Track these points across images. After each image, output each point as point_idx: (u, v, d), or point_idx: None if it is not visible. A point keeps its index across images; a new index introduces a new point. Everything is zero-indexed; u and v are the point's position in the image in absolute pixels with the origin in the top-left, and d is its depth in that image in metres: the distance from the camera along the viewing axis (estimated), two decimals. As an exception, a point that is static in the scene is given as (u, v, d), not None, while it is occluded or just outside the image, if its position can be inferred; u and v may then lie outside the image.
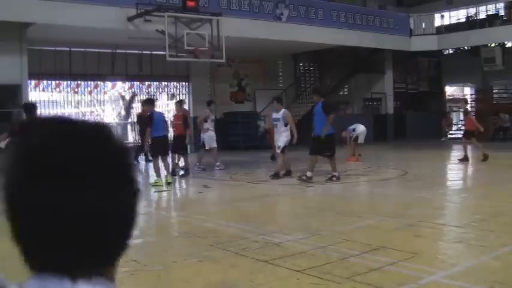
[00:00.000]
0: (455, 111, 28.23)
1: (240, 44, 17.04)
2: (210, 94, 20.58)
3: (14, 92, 14.53)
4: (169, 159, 12.07)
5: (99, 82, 18.86)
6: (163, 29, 14.35)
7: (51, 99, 17.80)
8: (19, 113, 14.67)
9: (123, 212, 0.82)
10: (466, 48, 24.73)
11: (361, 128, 15.02)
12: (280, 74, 23.42)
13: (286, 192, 9.86)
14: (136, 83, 19.79)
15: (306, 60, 24.17)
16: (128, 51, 18.74)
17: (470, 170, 13.95)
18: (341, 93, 25.06)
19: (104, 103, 19.48)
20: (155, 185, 10.66)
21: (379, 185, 10.75)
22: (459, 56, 25.21)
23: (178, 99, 17.80)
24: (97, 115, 18.93)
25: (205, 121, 13.57)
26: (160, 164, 11.32)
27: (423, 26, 23.53)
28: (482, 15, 23.75)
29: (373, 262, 4.84)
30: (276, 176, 11.32)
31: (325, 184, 10.61)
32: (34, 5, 13.41)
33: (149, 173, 13.21)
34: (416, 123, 24.86)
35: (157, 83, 20.05)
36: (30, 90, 15.99)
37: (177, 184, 11.62)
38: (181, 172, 12.50)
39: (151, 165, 14.71)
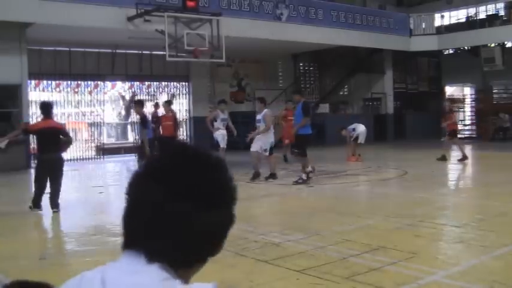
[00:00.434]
0: (455, 111, 28.21)
1: (240, 44, 17.04)
2: (210, 94, 20.60)
3: (14, 92, 14.54)
4: None
5: (99, 82, 18.86)
6: (163, 29, 14.35)
7: (51, 99, 17.76)
8: (19, 113, 14.70)
9: (222, 227, 1.02)
10: (466, 48, 24.72)
11: (361, 128, 15.01)
12: (280, 74, 23.42)
13: (286, 192, 9.85)
14: (136, 83, 19.78)
15: (306, 60, 24.17)
16: (127, 51, 18.74)
17: (470, 170, 13.95)
18: (341, 93, 25.08)
19: (104, 103, 19.48)
20: None
21: (379, 185, 10.75)
22: (459, 56, 25.20)
23: (168, 98, 17.62)
24: (97, 115, 18.93)
25: (215, 120, 13.37)
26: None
27: (423, 26, 23.53)
28: (482, 15, 23.74)
29: (373, 262, 4.84)
30: (272, 176, 11.28)
31: (326, 184, 10.61)
32: (34, 5, 13.41)
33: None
34: (416, 123, 24.86)
35: (157, 83, 20.04)
36: (30, 90, 15.99)
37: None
38: None
39: None
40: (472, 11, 24.27)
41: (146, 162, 1.05)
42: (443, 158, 14.24)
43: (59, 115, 17.84)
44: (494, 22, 22.27)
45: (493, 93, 25.54)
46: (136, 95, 20.05)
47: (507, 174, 11.51)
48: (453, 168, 14.21)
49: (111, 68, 18.61)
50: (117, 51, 18.48)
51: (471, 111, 27.03)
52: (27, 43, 14.70)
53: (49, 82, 17.70)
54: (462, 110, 28.18)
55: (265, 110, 11.27)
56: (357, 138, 14.88)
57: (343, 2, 21.09)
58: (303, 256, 5.12)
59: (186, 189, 0.97)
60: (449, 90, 28.63)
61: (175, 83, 20.50)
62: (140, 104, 11.28)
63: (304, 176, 10.59)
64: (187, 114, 20.49)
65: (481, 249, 5.34)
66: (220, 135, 12.97)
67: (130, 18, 14.66)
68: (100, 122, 19.13)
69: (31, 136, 15.67)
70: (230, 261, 4.99)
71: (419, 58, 26.24)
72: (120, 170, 15.24)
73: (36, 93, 17.33)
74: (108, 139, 20.15)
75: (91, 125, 19.07)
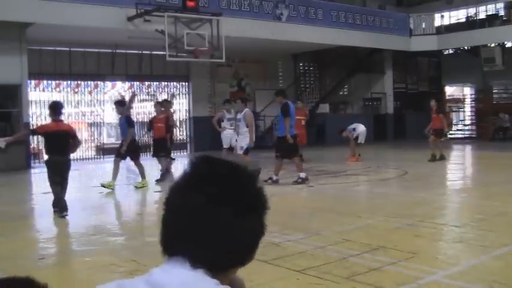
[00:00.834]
0: (455, 111, 28.23)
1: (240, 44, 17.05)
2: (210, 94, 20.60)
3: (14, 92, 14.54)
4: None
5: (99, 82, 18.86)
6: (163, 29, 14.35)
7: (51, 99, 17.77)
8: (19, 113, 14.71)
9: (257, 234, 1.06)
10: (466, 48, 24.72)
11: (361, 128, 15.00)
12: (280, 74, 23.42)
13: (286, 192, 9.85)
14: (136, 83, 19.78)
15: (306, 60, 24.16)
16: (127, 51, 18.75)
17: (470, 170, 13.96)
18: (341, 93, 25.07)
19: (104, 103, 19.47)
20: (109, 186, 10.25)
21: (379, 185, 10.75)
22: (459, 56, 25.20)
23: (158, 99, 17.12)
24: (97, 115, 18.93)
25: (222, 121, 13.28)
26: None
27: (423, 26, 23.54)
28: (482, 15, 23.75)
29: (373, 262, 4.84)
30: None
31: (325, 184, 10.61)
32: (34, 5, 13.42)
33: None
34: (416, 123, 24.81)
35: (157, 83, 20.04)
36: (30, 90, 16.00)
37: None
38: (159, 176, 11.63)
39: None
40: (472, 11, 24.28)
41: (186, 171, 1.08)
42: (441, 158, 14.21)
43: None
44: (494, 22, 22.28)
45: (493, 93, 25.56)
46: (136, 95, 20.06)
47: (507, 174, 11.51)
48: (453, 169, 14.21)
49: (111, 68, 18.61)
50: (117, 51, 18.48)
51: (471, 111, 27.05)
52: (27, 43, 14.70)
53: (49, 82, 17.70)
54: (462, 110, 28.22)
55: (246, 110, 10.96)
56: (356, 138, 14.88)
57: (343, 2, 21.09)
58: (303, 256, 5.12)
59: (227, 196, 1.01)
60: (449, 90, 28.66)
61: (175, 83, 20.50)
62: (121, 104, 10.93)
63: (302, 175, 10.58)
64: (187, 114, 20.50)
65: (481, 249, 5.34)
66: (227, 135, 12.76)
67: (130, 18, 14.67)
68: (100, 122, 19.14)
69: (34, 137, 15.89)
70: (230, 261, 4.99)
71: (419, 58, 26.25)
72: (120, 170, 15.23)
73: (36, 93, 17.34)
74: (108, 139, 20.15)
75: (91, 125, 19.08)
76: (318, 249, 5.36)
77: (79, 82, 18.32)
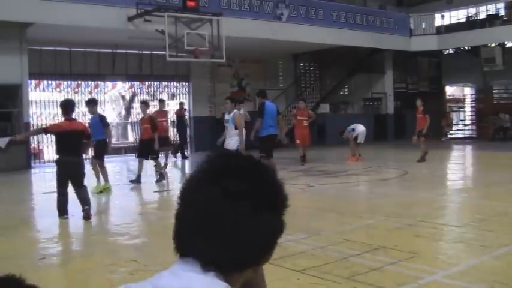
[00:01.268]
0: (455, 111, 28.24)
1: (240, 44, 17.05)
2: (210, 94, 20.60)
3: (14, 92, 14.54)
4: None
5: (99, 82, 18.86)
6: (163, 29, 14.35)
7: (51, 99, 17.79)
8: (19, 113, 14.70)
9: (275, 232, 1.01)
10: (466, 48, 24.72)
11: (360, 128, 15.00)
12: (281, 74, 23.41)
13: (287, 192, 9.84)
14: (136, 83, 19.79)
15: (306, 60, 24.16)
16: (128, 51, 18.75)
17: (470, 170, 13.95)
18: (341, 93, 25.07)
19: (104, 103, 19.48)
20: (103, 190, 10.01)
21: (379, 185, 10.75)
22: (459, 56, 25.20)
23: (143, 99, 16.63)
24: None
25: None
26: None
27: (423, 26, 23.53)
28: (482, 15, 23.75)
29: (373, 262, 4.84)
30: None
31: (326, 184, 10.61)
32: (34, 5, 13.42)
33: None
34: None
35: (158, 83, 20.04)
36: (31, 90, 15.99)
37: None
38: (158, 177, 11.47)
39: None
40: (472, 11, 24.29)
41: (201, 165, 1.04)
42: (423, 159, 13.98)
43: (59, 115, 17.85)
44: (494, 22, 22.28)
45: (493, 93, 25.56)
46: (137, 95, 20.07)
47: (507, 174, 11.52)
48: (453, 169, 14.21)
49: (112, 68, 18.61)
50: (118, 51, 18.48)
51: (471, 111, 27.06)
52: (27, 43, 14.70)
53: (49, 82, 17.70)
54: (462, 110, 28.23)
55: (235, 110, 10.63)
56: (356, 138, 14.88)
57: (343, 2, 21.09)
58: (304, 256, 5.12)
59: (245, 190, 0.97)
60: (450, 90, 28.66)
61: (175, 83, 20.50)
62: (94, 103, 10.48)
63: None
64: (188, 114, 20.50)
65: (481, 249, 5.34)
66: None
67: (130, 18, 14.66)
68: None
69: (35, 137, 15.89)
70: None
71: (420, 58, 26.24)
72: (120, 170, 15.25)
73: (37, 93, 17.34)
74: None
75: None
76: (319, 249, 5.36)
77: (79, 82, 18.32)
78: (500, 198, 8.45)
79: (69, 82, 18.06)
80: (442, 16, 24.56)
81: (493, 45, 22.49)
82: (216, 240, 0.95)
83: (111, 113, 20.90)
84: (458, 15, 25.00)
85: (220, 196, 0.96)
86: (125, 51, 18.62)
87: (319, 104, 22.84)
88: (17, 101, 14.70)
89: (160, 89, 20.30)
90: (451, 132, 25.84)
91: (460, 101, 28.57)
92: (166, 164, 13.62)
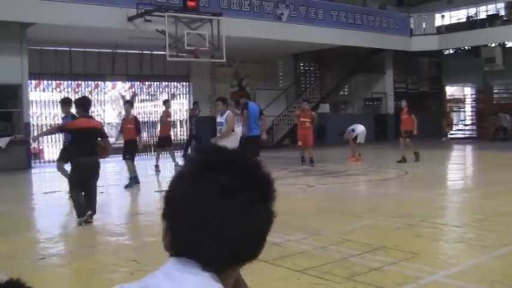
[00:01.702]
0: (455, 111, 28.24)
1: (240, 44, 17.05)
2: (210, 94, 20.60)
3: (14, 92, 14.55)
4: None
5: (99, 82, 18.86)
6: (163, 29, 14.35)
7: (51, 99, 17.79)
8: (19, 113, 14.71)
9: (267, 223, 1.00)
10: (466, 48, 24.72)
11: (360, 128, 14.99)
12: (281, 74, 23.42)
13: (286, 192, 9.85)
14: (136, 83, 19.79)
15: (306, 60, 24.16)
16: (128, 51, 18.75)
17: (470, 170, 13.94)
18: (341, 93, 25.08)
19: (105, 103, 19.48)
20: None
21: (379, 185, 10.75)
22: (459, 56, 25.20)
23: (128, 99, 16.30)
24: (97, 115, 18.93)
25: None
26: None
27: (423, 26, 23.54)
28: (482, 15, 23.76)
29: (373, 262, 4.84)
30: None
31: (326, 184, 10.61)
32: (34, 5, 13.42)
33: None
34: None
35: (158, 83, 20.04)
36: (31, 90, 16.00)
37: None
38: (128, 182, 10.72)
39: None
40: (472, 11, 24.29)
41: (193, 160, 1.01)
42: (403, 160, 13.76)
43: (60, 115, 17.86)
44: (494, 22, 22.28)
45: (493, 93, 25.55)
46: (137, 95, 20.07)
47: (507, 174, 11.52)
48: (453, 169, 14.21)
49: (112, 68, 18.62)
50: (118, 51, 18.49)
51: (471, 111, 27.06)
52: (27, 43, 14.70)
53: (49, 82, 17.71)
54: (463, 110, 28.23)
55: (228, 112, 10.27)
56: (355, 138, 14.88)
57: (343, 2, 21.09)
58: (304, 256, 5.12)
59: (240, 183, 0.95)
60: (450, 90, 28.66)
61: (175, 83, 20.51)
62: (68, 103, 9.85)
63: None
64: (188, 114, 20.50)
65: (481, 249, 5.34)
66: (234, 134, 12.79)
67: (130, 18, 14.67)
68: (100, 122, 19.12)
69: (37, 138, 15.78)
70: (230, 261, 4.98)
71: (420, 58, 26.24)
72: (120, 170, 15.25)
73: (37, 93, 17.35)
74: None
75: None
76: (319, 249, 5.36)
77: (79, 82, 18.32)
78: (501, 198, 8.45)
79: (69, 82, 18.06)
80: (442, 16, 24.57)
81: (493, 45, 22.49)
82: (215, 235, 0.94)
83: (111, 113, 20.91)
84: (458, 15, 25.01)
85: (216, 190, 0.94)
86: (125, 51, 18.62)
87: (319, 104, 22.84)
88: (17, 101, 14.71)
89: (161, 89, 20.31)
90: (451, 132, 25.84)
91: (460, 101, 28.57)
92: (177, 164, 13.65)
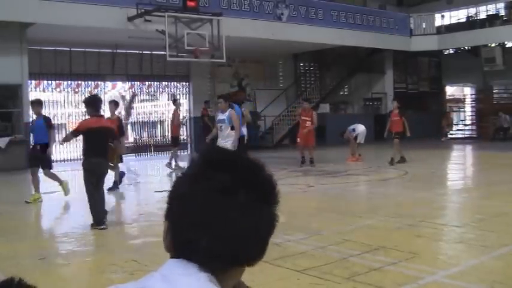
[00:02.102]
0: (455, 111, 28.24)
1: (240, 44, 17.05)
2: (210, 94, 20.59)
3: (14, 92, 14.54)
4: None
5: (99, 82, 18.86)
6: (163, 29, 14.35)
7: (51, 99, 17.79)
8: (19, 113, 14.70)
9: (270, 226, 1.01)
10: (466, 48, 24.72)
11: (360, 128, 14.99)
12: (281, 74, 23.42)
13: (286, 192, 9.85)
14: (136, 83, 19.78)
15: (306, 60, 24.16)
16: (128, 51, 18.75)
17: (470, 170, 13.94)
18: (341, 93, 25.07)
19: (104, 103, 19.45)
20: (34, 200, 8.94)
21: (379, 185, 10.75)
22: (459, 56, 25.20)
23: (113, 99, 14.81)
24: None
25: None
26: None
27: (423, 26, 23.53)
28: (482, 15, 23.76)
29: (373, 262, 4.84)
30: None
31: (326, 184, 10.61)
32: (34, 5, 13.42)
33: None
34: (416, 123, 24.80)
35: (158, 83, 20.04)
36: (31, 90, 15.99)
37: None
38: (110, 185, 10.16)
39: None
40: (472, 11, 24.29)
41: (195, 160, 1.01)
42: (393, 162, 13.50)
43: (59, 115, 17.87)
44: (494, 22, 22.28)
45: (493, 93, 25.55)
46: (137, 95, 20.07)
47: (507, 174, 11.51)
48: (453, 169, 14.20)
49: (112, 68, 18.62)
50: (118, 51, 18.48)
51: (471, 111, 27.06)
52: (27, 43, 14.70)
53: (49, 82, 17.70)
54: (462, 109, 28.23)
55: (230, 110, 10.07)
56: (356, 137, 14.87)
57: (343, 2, 21.09)
58: (304, 256, 5.12)
59: (242, 183, 0.95)
60: (450, 90, 28.67)
61: (175, 83, 20.50)
62: (39, 104, 9.47)
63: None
64: (188, 114, 20.51)
65: (481, 249, 5.34)
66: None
67: (130, 18, 14.66)
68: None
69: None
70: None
71: (420, 58, 26.23)
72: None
73: (37, 93, 17.33)
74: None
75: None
76: (319, 250, 5.36)
77: (79, 82, 18.32)
78: (501, 198, 8.45)
79: (69, 82, 18.06)
80: (442, 16, 24.56)
81: (493, 45, 22.49)
82: (216, 234, 0.94)
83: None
84: (458, 15, 25.00)
85: (218, 189, 0.94)
86: (124, 51, 18.62)
87: (319, 104, 22.84)
88: (17, 101, 14.70)
89: (160, 89, 20.31)
90: (451, 132, 25.84)
91: (460, 101, 28.57)
92: (177, 165, 13.69)
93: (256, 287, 4.66)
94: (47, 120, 9.30)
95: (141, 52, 18.98)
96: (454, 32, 23.29)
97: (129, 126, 20.86)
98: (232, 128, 9.66)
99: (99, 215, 6.72)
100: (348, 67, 23.92)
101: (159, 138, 20.34)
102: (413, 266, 4.72)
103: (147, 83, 19.88)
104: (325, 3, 19.92)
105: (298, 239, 5.80)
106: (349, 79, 24.50)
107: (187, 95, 20.52)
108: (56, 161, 17.14)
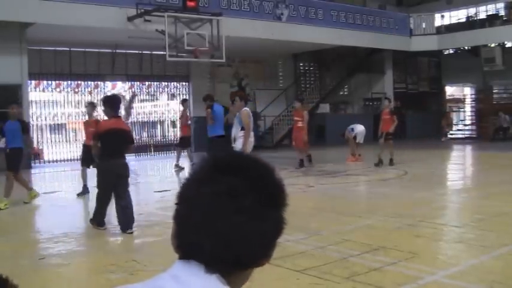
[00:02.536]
0: (455, 111, 28.24)
1: (240, 44, 17.05)
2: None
3: (14, 92, 14.53)
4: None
5: (99, 82, 18.86)
6: (163, 29, 14.35)
7: (51, 99, 17.79)
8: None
9: (277, 229, 1.00)
10: (466, 48, 24.72)
11: (359, 128, 14.99)
12: (280, 74, 23.43)
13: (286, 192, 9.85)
14: (136, 83, 19.78)
15: (306, 60, 24.17)
16: (128, 51, 18.76)
17: (470, 170, 13.94)
18: (341, 93, 25.07)
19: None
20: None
21: (379, 185, 10.75)
22: (459, 56, 25.21)
23: (90, 100, 14.85)
24: (97, 115, 18.92)
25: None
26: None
27: (423, 26, 23.53)
28: (482, 15, 23.76)
29: (373, 262, 4.84)
30: None
31: (326, 184, 10.61)
32: (34, 5, 13.42)
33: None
34: (416, 123, 24.86)
35: (158, 83, 20.04)
36: (30, 90, 16.00)
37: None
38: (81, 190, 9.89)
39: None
40: (472, 11, 24.29)
41: (201, 163, 1.02)
42: (380, 163, 13.35)
43: (59, 115, 17.87)
44: (494, 22, 22.28)
45: (493, 93, 25.56)
46: (137, 95, 20.06)
47: (507, 174, 11.52)
48: (453, 169, 14.20)
49: (112, 68, 18.62)
50: (117, 51, 18.49)
51: (471, 111, 27.06)
52: (27, 43, 14.70)
53: (49, 82, 17.70)
54: (462, 110, 28.23)
55: (244, 108, 9.16)
56: (355, 137, 14.87)
57: (343, 2, 21.09)
58: (303, 256, 5.13)
59: (249, 186, 0.95)
60: (450, 90, 28.67)
61: (175, 83, 20.51)
62: (19, 106, 9.22)
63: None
64: (188, 115, 20.49)
65: (481, 249, 5.35)
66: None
67: (130, 18, 14.66)
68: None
69: (34, 137, 15.89)
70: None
71: (420, 58, 26.24)
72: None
73: (37, 94, 17.35)
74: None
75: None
76: (318, 249, 5.36)
77: (79, 82, 18.32)
78: (500, 198, 8.45)
79: (69, 82, 18.06)
80: (442, 16, 24.56)
81: (493, 45, 22.49)
82: (221, 237, 0.94)
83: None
84: (458, 15, 25.00)
85: (225, 194, 0.94)
86: (124, 51, 18.63)
87: (319, 104, 22.85)
88: (17, 101, 14.69)
89: (160, 89, 20.31)
90: (451, 132, 25.85)
91: (460, 101, 28.57)
92: (177, 165, 13.72)
93: (255, 286, 4.67)
94: (23, 124, 9.02)
95: (141, 52, 18.98)
96: (454, 32, 23.29)
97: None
98: (243, 129, 9.10)
99: (100, 218, 6.58)
100: (348, 67, 23.92)
101: (159, 138, 20.35)
102: (413, 266, 4.72)
103: (147, 83, 19.87)
104: (325, 3, 19.92)
105: (298, 239, 5.81)
106: (348, 79, 24.50)
107: (187, 95, 20.51)
108: (56, 161, 17.20)
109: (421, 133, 24.05)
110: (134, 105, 20.36)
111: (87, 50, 17.94)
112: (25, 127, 9.00)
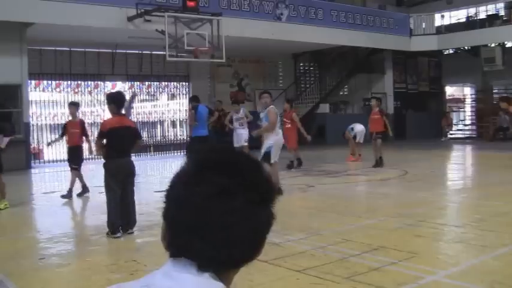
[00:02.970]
0: (455, 111, 28.23)
1: (240, 44, 17.05)
2: (210, 94, 20.60)
3: (14, 92, 14.55)
4: None
5: (99, 82, 18.86)
6: (163, 29, 14.35)
7: (51, 99, 17.78)
8: (19, 113, 14.70)
9: (267, 225, 0.99)
10: (466, 48, 24.72)
11: (359, 128, 15.00)
12: (280, 74, 23.43)
13: (286, 192, 9.85)
14: (136, 83, 19.78)
15: (306, 60, 24.17)
16: (128, 51, 18.75)
17: (470, 170, 13.93)
18: (341, 93, 25.06)
19: (104, 103, 19.46)
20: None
21: (379, 185, 10.75)
22: (459, 56, 25.20)
23: (73, 101, 13.69)
24: (97, 115, 18.93)
25: (230, 122, 13.29)
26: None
27: (423, 26, 23.52)
28: (482, 15, 23.75)
29: (373, 262, 4.84)
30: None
31: (326, 184, 10.61)
32: (34, 5, 13.42)
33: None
34: (416, 123, 24.86)
35: (158, 83, 20.04)
36: (31, 90, 16.00)
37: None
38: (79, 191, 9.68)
39: None
40: (472, 11, 24.28)
41: (190, 160, 1.00)
42: (379, 164, 13.19)
43: (59, 115, 17.86)
44: (494, 22, 22.27)
45: (493, 93, 25.55)
46: (137, 95, 20.06)
47: (507, 174, 11.51)
48: (453, 169, 14.20)
49: (112, 68, 18.62)
50: (117, 51, 18.49)
51: (471, 111, 27.06)
52: (27, 43, 14.70)
53: (49, 82, 17.70)
54: (462, 110, 28.23)
55: (271, 106, 9.22)
56: (355, 137, 14.87)
57: (343, 2, 21.09)
58: (303, 256, 5.13)
59: (239, 185, 0.94)
60: (450, 90, 28.66)
61: (175, 83, 20.51)
62: None
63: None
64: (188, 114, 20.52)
65: (481, 249, 5.35)
66: (235, 134, 12.84)
67: (130, 18, 14.66)
68: (100, 122, 19.13)
69: (34, 137, 15.94)
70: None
71: (420, 58, 26.23)
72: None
73: (37, 93, 17.35)
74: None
75: (91, 125, 19.07)
76: (318, 249, 5.36)
77: (79, 82, 18.32)
78: (500, 198, 8.45)
79: (69, 82, 18.06)
80: (442, 16, 24.54)
81: (493, 45, 22.49)
82: (213, 238, 0.93)
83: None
84: (458, 15, 24.99)
85: (215, 192, 0.93)
86: (124, 51, 18.63)
87: (319, 104, 22.85)
88: (17, 101, 14.70)
89: (160, 89, 20.31)
90: (451, 132, 25.85)
91: (460, 101, 28.57)
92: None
93: (256, 287, 4.67)
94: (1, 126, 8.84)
95: (140, 52, 18.98)
96: (453, 32, 23.28)
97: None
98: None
99: (112, 224, 6.28)
100: (348, 67, 23.91)
101: (158, 138, 20.35)
102: (413, 265, 4.72)
103: (146, 83, 19.87)
104: (325, 3, 19.91)
105: (298, 239, 5.81)
106: (348, 79, 24.48)
107: (187, 95, 20.51)
108: (56, 161, 17.18)
109: (421, 133, 24.05)
110: (134, 105, 20.36)
111: (87, 50, 17.94)
112: (3, 129, 8.90)
